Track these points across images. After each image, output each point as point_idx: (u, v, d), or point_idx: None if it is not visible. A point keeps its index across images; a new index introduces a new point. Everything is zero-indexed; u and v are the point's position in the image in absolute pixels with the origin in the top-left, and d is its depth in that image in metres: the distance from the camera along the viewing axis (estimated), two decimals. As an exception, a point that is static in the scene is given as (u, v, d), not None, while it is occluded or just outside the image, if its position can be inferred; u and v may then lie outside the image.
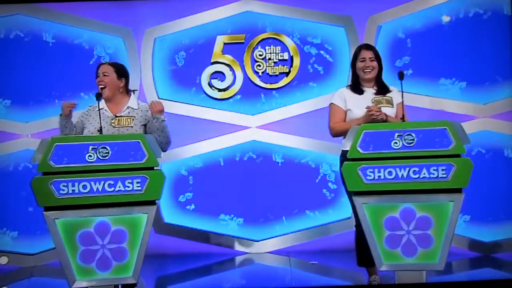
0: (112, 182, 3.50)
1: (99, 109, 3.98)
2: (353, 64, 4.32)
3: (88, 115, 4.17)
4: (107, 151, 3.51)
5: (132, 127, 4.06)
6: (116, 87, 4.15)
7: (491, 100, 5.70)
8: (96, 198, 3.49)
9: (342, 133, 4.16)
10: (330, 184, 5.78)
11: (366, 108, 4.10)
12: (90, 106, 4.23)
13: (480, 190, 5.42)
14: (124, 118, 4.09)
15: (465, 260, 5.45)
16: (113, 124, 4.05)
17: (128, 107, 4.15)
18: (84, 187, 3.49)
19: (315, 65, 5.82)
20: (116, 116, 4.09)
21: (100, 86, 4.11)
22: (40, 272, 5.52)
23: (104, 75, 4.13)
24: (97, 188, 3.49)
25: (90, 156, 3.50)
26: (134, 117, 4.10)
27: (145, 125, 4.13)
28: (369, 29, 5.74)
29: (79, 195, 3.48)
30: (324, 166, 5.78)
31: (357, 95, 4.25)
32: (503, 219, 5.66)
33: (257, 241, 5.79)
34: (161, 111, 4.10)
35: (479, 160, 5.54)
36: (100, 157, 3.50)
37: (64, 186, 3.48)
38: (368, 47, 4.36)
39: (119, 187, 3.50)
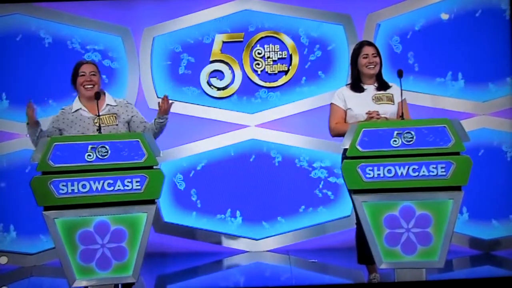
0: (111, 182, 3.50)
1: (98, 111, 3.92)
2: (354, 61, 4.29)
3: (65, 118, 4.07)
4: (106, 151, 3.51)
5: (117, 125, 4.02)
6: (99, 87, 4.10)
7: (490, 98, 5.70)
8: (96, 197, 3.49)
9: (342, 134, 4.15)
10: (329, 182, 5.77)
11: (366, 113, 4.09)
12: (62, 109, 4.14)
13: (479, 188, 5.42)
14: (106, 116, 4.02)
15: (465, 258, 5.45)
16: (96, 125, 3.96)
17: (107, 105, 4.07)
18: (84, 186, 3.49)
19: (314, 63, 5.81)
20: (98, 116, 3.95)
21: (89, 85, 4.03)
22: (40, 272, 5.52)
23: (93, 75, 4.07)
24: (97, 188, 3.49)
25: (89, 155, 3.50)
26: (116, 114, 4.05)
27: (128, 122, 4.07)
28: (368, 27, 5.73)
29: (79, 194, 3.48)
30: (324, 164, 5.78)
31: (357, 94, 4.24)
32: (503, 216, 5.67)
33: (257, 239, 5.79)
34: (168, 112, 4.06)
35: (478, 157, 5.54)
36: (99, 156, 3.50)
37: (63, 185, 3.47)
38: (369, 43, 4.35)
39: (119, 186, 3.50)
